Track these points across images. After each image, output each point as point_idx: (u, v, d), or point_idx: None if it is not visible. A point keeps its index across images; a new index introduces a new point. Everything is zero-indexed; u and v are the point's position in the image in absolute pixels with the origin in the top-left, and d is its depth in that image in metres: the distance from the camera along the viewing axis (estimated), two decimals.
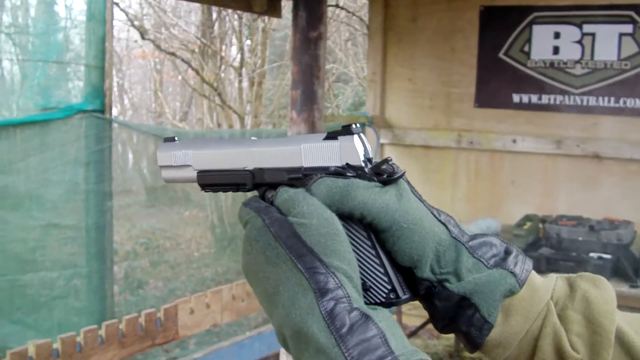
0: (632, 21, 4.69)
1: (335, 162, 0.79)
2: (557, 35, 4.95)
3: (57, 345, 3.01)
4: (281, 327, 0.71)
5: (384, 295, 0.78)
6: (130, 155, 9.73)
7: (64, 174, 5.42)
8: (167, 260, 9.33)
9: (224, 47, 10.48)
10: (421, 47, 5.60)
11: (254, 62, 9.88)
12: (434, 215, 0.81)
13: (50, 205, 5.39)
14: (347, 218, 0.77)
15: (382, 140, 5.82)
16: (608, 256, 3.96)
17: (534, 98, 5.06)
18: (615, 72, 4.78)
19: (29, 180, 5.22)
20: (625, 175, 4.86)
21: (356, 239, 0.78)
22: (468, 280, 0.79)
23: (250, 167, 0.86)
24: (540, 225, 4.50)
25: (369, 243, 0.78)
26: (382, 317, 0.69)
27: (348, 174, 0.78)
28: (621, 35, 4.73)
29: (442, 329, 0.84)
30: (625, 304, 3.96)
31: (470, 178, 5.49)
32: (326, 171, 0.79)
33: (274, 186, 0.83)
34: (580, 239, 4.14)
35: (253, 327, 6.35)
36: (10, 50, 6.33)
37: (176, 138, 0.97)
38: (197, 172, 0.92)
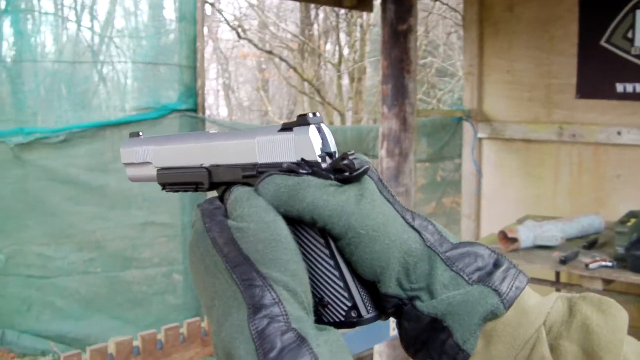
0: None
1: (290, 157, 0.70)
2: None
3: (137, 342, 3.03)
4: (215, 345, 0.62)
5: (343, 314, 0.67)
6: None
7: None
8: None
9: (322, 44, 10.47)
10: (518, 37, 5.38)
11: (353, 58, 9.82)
12: (406, 221, 0.69)
13: (148, 204, 5.52)
14: (300, 222, 0.68)
15: (480, 135, 5.64)
16: None
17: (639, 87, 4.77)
18: None
19: (126, 180, 5.37)
20: None
21: (312, 247, 0.68)
22: (441, 299, 0.66)
23: (206, 163, 0.78)
24: None
25: (326, 252, 0.68)
26: (326, 340, 0.59)
27: (301, 170, 0.68)
28: None
29: (414, 354, 0.71)
30: None
31: (573, 172, 5.23)
32: (279, 168, 0.69)
33: (232, 185, 0.73)
34: None
35: None
36: (126, 53, 6.53)
37: (140, 133, 0.89)
38: (157, 170, 0.84)
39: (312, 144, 0.68)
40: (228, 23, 9.67)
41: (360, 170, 0.67)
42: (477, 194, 5.74)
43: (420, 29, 10.09)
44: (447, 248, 0.69)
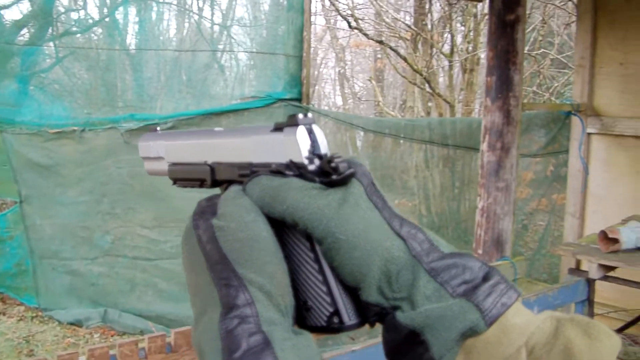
0: None
1: (279, 157, 0.69)
2: None
3: None
4: (192, 342, 0.63)
5: (325, 319, 0.66)
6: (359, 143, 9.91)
7: None
8: None
9: (436, 34, 10.34)
10: (635, 27, 5.13)
11: (466, 49, 9.65)
12: (392, 227, 0.66)
13: None
14: (285, 224, 0.67)
15: (589, 130, 5.43)
16: None
17: None
18: None
19: None
20: None
21: (298, 249, 0.67)
22: (419, 311, 0.63)
23: (209, 161, 0.79)
24: None
25: (311, 255, 0.67)
26: (294, 345, 0.59)
27: (287, 172, 0.67)
28: None
29: None
30: None
31: None
32: (269, 168, 0.69)
33: (232, 183, 0.74)
34: None
35: None
36: (246, 42, 6.68)
37: (158, 128, 0.91)
38: (169, 165, 0.86)
39: (299, 145, 0.68)
40: (339, 12, 9.68)
41: (345, 174, 0.65)
42: (582, 192, 5.53)
43: (537, 19, 9.80)
44: (435, 258, 0.65)
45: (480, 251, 4.99)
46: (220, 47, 6.77)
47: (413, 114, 10.40)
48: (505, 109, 4.83)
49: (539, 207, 6.72)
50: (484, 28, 9.83)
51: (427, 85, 9.41)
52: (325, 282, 0.66)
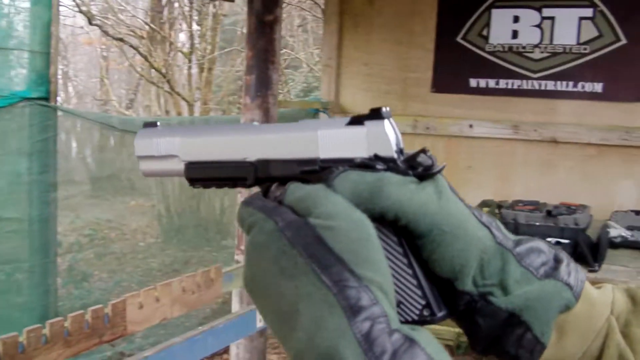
0: (592, 5, 4.66)
1: (361, 152, 0.67)
2: (516, 19, 4.90)
3: None
4: (302, 354, 0.58)
5: (417, 312, 0.66)
6: (74, 144, 9.48)
7: (5, 164, 5.17)
8: (113, 252, 9.04)
9: (173, 33, 10.29)
10: (378, 30, 5.51)
11: (203, 48, 9.71)
12: (477, 217, 0.69)
13: None
14: (376, 220, 0.64)
15: None
16: (566, 241, 3.92)
17: (492, 82, 5.02)
18: (574, 56, 4.76)
19: None
20: (582, 159, 4.86)
21: (386, 245, 0.66)
22: (517, 294, 0.68)
23: (251, 157, 0.73)
24: (497, 211, 4.46)
25: (400, 250, 0.66)
26: (426, 340, 0.58)
27: (377, 166, 0.65)
28: (581, 19, 4.70)
29: (484, 350, 0.72)
30: None
31: None
32: (350, 163, 0.66)
33: (282, 181, 0.70)
34: (537, 224, 4.09)
35: (202, 318, 6.21)
36: None
37: (158, 123, 0.83)
38: (186, 164, 0.79)
39: (389, 138, 0.66)
40: (80, 10, 9.24)
41: (440, 167, 0.67)
42: None
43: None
44: (513, 244, 0.70)
45: (243, 247, 5.07)
46: None
47: (150, 112, 10.25)
48: (264, 107, 4.93)
49: None
50: (221, 28, 9.99)
51: (166, 84, 9.33)
52: (415, 275, 0.66)
